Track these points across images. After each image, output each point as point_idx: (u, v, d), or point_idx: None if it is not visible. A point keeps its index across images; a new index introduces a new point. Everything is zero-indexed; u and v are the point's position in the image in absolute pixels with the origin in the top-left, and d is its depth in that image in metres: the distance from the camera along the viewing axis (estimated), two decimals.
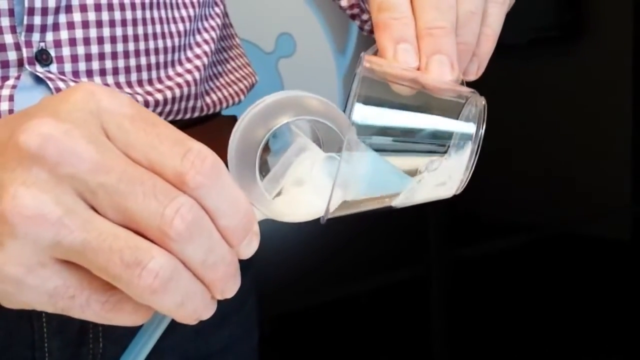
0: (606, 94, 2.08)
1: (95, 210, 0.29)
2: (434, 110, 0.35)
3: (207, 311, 0.31)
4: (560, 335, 1.83)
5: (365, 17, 0.60)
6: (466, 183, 0.36)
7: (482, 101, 0.36)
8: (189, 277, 0.29)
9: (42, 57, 0.45)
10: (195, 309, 0.30)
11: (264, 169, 0.34)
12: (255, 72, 0.62)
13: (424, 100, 0.36)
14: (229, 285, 0.31)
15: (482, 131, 0.35)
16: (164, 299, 0.29)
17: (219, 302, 0.32)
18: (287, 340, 1.61)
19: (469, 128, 0.35)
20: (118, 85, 0.48)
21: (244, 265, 0.71)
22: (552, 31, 2.18)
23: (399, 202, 0.35)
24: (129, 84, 0.49)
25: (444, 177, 0.35)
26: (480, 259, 1.99)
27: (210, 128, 0.55)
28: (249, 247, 0.31)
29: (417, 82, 0.36)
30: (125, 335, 0.52)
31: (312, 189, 0.34)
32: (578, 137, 2.11)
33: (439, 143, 0.35)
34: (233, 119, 0.52)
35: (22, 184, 0.28)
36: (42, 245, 0.28)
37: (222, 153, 0.32)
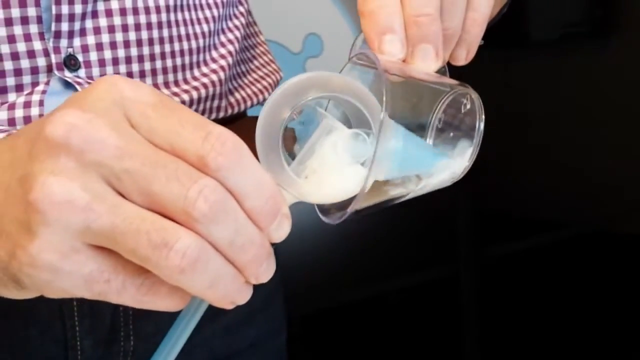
0: (638, 90, 2.05)
1: (123, 196, 0.29)
2: (423, 100, 0.36)
3: (241, 295, 0.31)
4: (594, 335, 1.80)
5: None
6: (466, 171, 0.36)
7: (475, 94, 0.36)
8: (218, 258, 0.30)
9: (71, 63, 0.46)
10: (227, 291, 0.30)
11: (294, 155, 0.34)
12: (280, 69, 0.63)
13: (412, 92, 0.36)
14: (262, 269, 0.31)
15: (483, 124, 0.36)
16: (193, 279, 0.29)
17: None
18: (317, 339, 1.62)
19: (471, 123, 0.36)
20: None
21: None
22: (583, 27, 2.15)
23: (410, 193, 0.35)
24: (156, 86, 0.50)
25: (445, 174, 0.36)
26: (511, 257, 1.98)
27: (236, 129, 0.55)
28: (280, 230, 0.31)
29: (403, 72, 0.36)
30: (156, 333, 0.53)
31: (338, 169, 0.33)
32: (610, 133, 2.08)
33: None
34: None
35: (50, 173, 0.29)
36: (73, 230, 0.29)
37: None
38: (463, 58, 0.40)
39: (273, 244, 0.32)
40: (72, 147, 0.29)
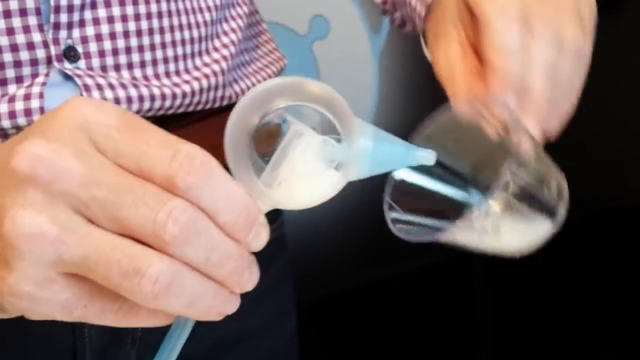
0: None
1: (94, 222, 0.29)
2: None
3: (227, 306, 0.32)
4: (616, 315, 1.79)
5: (397, 15, 0.60)
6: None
7: (564, 182, 0.39)
8: (195, 278, 0.30)
9: (70, 54, 0.46)
10: (209, 306, 0.31)
11: (267, 162, 0.34)
12: (284, 56, 0.62)
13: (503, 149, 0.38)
14: (245, 279, 0.31)
15: (565, 211, 0.39)
16: (169, 303, 0.29)
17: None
18: (328, 323, 1.62)
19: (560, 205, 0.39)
20: (146, 78, 0.49)
21: (276, 250, 0.71)
22: None
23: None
24: (157, 76, 0.50)
25: (514, 240, 0.38)
26: None
27: None
28: (258, 239, 0.31)
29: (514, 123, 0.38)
30: None
31: (308, 175, 0.33)
32: (625, 108, 2.06)
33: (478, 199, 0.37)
34: None
35: (20, 207, 0.29)
36: (46, 262, 0.29)
37: None
38: (556, 130, 0.44)
39: (269, 244, 0.32)
40: (39, 179, 0.29)
